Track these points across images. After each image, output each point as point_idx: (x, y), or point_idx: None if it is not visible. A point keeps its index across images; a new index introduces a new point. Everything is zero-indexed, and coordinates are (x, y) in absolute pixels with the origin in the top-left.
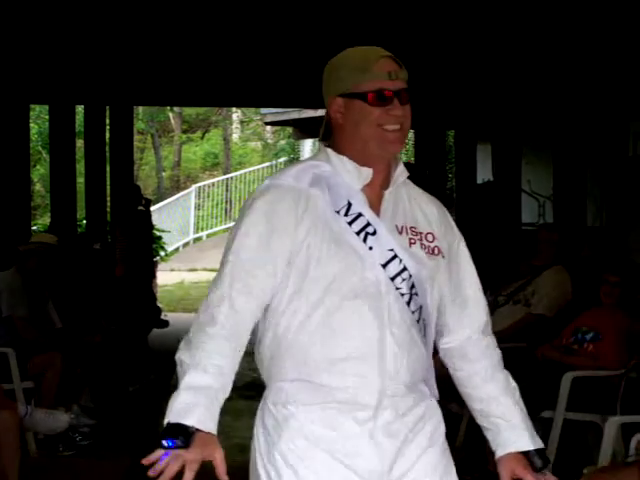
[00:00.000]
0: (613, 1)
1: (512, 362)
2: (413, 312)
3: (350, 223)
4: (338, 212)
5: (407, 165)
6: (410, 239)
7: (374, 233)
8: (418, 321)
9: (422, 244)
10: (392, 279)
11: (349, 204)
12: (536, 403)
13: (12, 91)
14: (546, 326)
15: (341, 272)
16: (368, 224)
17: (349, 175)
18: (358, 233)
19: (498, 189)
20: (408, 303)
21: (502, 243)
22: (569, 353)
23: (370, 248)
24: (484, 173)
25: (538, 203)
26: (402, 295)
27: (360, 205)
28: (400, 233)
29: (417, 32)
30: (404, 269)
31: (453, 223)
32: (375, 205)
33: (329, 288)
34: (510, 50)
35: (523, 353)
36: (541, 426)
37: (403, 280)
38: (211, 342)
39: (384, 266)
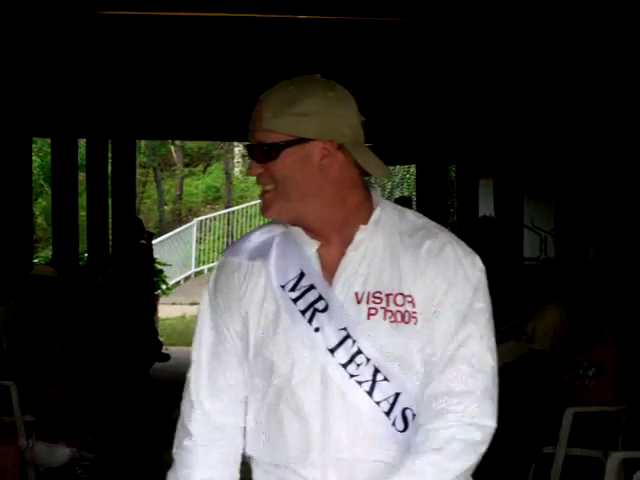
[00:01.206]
0: (615, 33)
1: (513, 398)
2: (378, 403)
3: (296, 300)
4: (283, 287)
5: (402, 200)
6: (370, 309)
7: (324, 309)
8: (388, 413)
9: (386, 311)
10: (344, 366)
11: (301, 274)
12: (538, 439)
13: (15, 124)
14: (547, 362)
15: (278, 360)
16: (319, 298)
17: (301, 237)
18: (304, 312)
19: (500, 224)
20: (370, 393)
21: (504, 278)
22: (571, 389)
23: (316, 330)
24: (486, 208)
25: (540, 238)
26: (359, 384)
27: (312, 275)
28: (359, 302)
29: (419, 68)
30: (358, 352)
31: (456, 261)
32: (333, 268)
33: (268, 378)
34: (512, 86)
35: (524, 389)
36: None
37: (358, 365)
38: (191, 456)
39: (332, 351)
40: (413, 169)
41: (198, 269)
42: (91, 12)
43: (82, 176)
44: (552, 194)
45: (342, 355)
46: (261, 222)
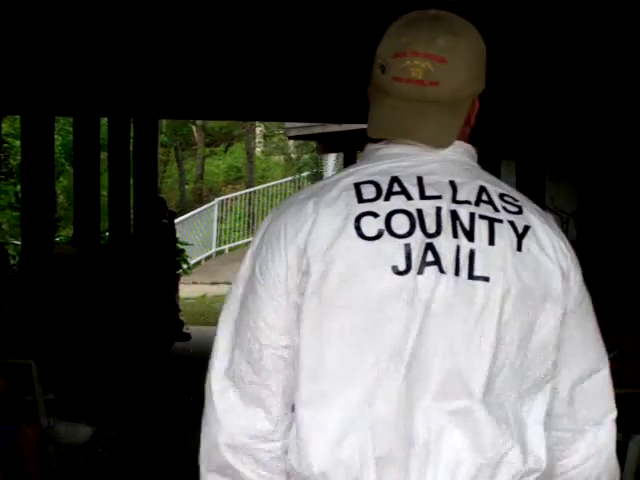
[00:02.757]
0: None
1: None
2: None
3: None
4: None
5: None
6: None
7: None
8: None
9: None
10: None
11: None
12: None
13: (37, 103)
14: None
15: None
16: None
17: None
18: None
19: None
20: None
21: None
22: None
23: None
24: None
25: (561, 220)
26: None
27: None
28: None
29: None
30: None
31: None
32: None
33: None
34: (534, 66)
35: None
36: None
37: None
38: None
39: None
40: None
41: (219, 249)
42: None
43: (104, 155)
44: (575, 175)
45: None
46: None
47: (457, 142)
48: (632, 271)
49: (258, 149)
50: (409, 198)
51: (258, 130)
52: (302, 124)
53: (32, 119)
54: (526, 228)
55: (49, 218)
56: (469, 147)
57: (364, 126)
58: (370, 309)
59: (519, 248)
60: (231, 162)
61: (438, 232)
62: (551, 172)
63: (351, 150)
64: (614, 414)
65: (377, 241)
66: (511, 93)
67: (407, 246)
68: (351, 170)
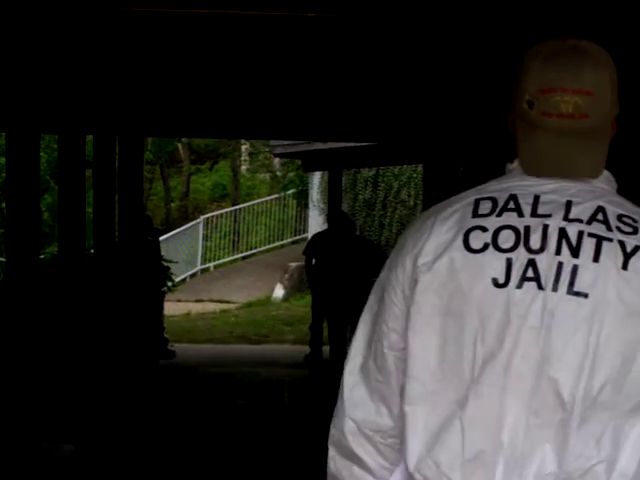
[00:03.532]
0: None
1: None
2: None
3: None
4: None
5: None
6: None
7: None
8: None
9: None
10: None
11: None
12: None
13: (23, 121)
14: None
15: None
16: None
17: None
18: None
19: None
20: None
21: None
22: None
23: None
24: None
25: None
26: None
27: None
28: None
29: (427, 67)
30: None
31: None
32: None
33: None
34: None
35: None
36: None
37: None
38: None
39: None
40: (420, 169)
41: (204, 266)
42: (97, 9)
43: (89, 173)
44: None
45: None
46: (267, 220)
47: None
48: None
49: (244, 167)
50: (520, 215)
51: (244, 148)
52: (287, 142)
53: (17, 136)
54: (636, 248)
55: (34, 235)
56: (607, 174)
57: (350, 144)
58: (470, 317)
59: (625, 267)
60: (217, 180)
61: (542, 249)
62: None
63: (336, 168)
64: None
65: (481, 254)
66: (498, 113)
67: (509, 260)
68: (482, 186)
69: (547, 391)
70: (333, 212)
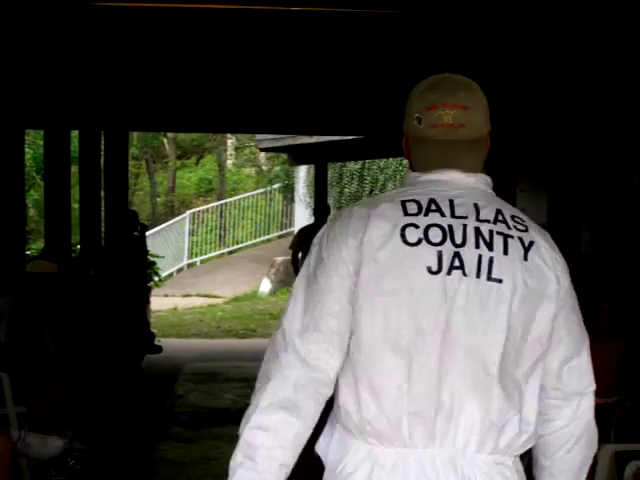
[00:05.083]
0: (625, 32)
1: None
2: None
3: None
4: None
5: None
6: None
7: None
8: None
9: None
10: None
11: None
12: None
13: (7, 116)
14: None
15: None
16: None
17: None
18: None
19: None
20: None
21: None
22: None
23: None
24: None
25: None
26: None
27: None
28: None
29: (413, 60)
30: None
31: None
32: None
33: None
34: (504, 76)
35: None
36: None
37: None
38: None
39: None
40: (405, 162)
41: (190, 261)
42: (84, 3)
43: (74, 168)
44: (545, 186)
45: None
46: (253, 214)
47: (479, 174)
48: (599, 280)
49: (229, 161)
50: (443, 215)
51: (229, 142)
52: (273, 136)
53: (2, 132)
54: (531, 243)
55: (20, 231)
56: (488, 178)
57: (335, 138)
58: (410, 298)
59: (525, 258)
60: (202, 174)
61: (463, 244)
62: (521, 183)
63: (322, 162)
64: (593, 387)
65: (417, 247)
66: None
67: (439, 252)
68: (400, 190)
69: (475, 358)
70: (319, 206)
